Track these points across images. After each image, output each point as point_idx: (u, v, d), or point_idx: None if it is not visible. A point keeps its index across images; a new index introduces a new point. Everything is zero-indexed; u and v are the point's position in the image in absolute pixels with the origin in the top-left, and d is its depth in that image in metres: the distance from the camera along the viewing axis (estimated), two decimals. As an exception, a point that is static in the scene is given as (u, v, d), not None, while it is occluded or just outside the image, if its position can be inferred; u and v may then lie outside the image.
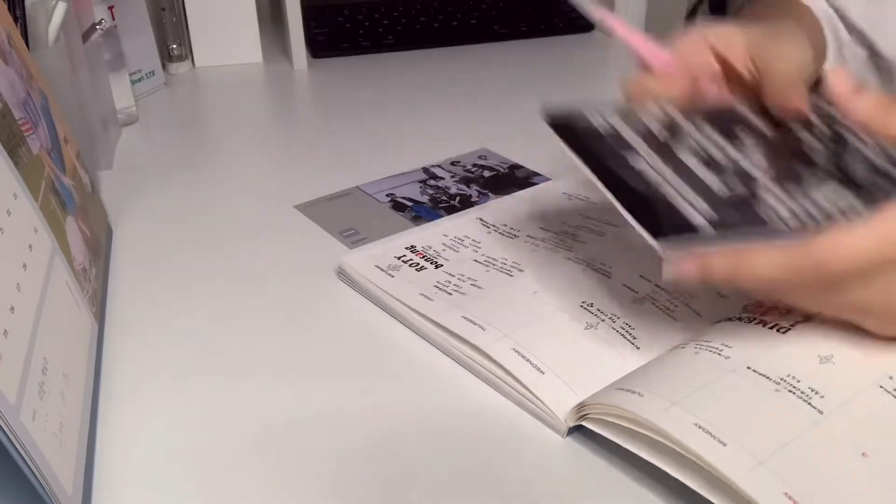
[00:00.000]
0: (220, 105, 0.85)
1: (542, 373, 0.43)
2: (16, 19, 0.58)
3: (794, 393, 0.38)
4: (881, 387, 0.39)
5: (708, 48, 0.47)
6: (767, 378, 0.39)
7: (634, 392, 0.39)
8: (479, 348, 0.45)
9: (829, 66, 0.64)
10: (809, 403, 0.38)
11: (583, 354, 0.45)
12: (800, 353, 0.41)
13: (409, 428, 0.43)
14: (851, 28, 0.63)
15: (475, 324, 0.46)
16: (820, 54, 0.62)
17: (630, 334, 0.46)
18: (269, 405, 0.44)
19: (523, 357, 0.44)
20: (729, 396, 0.39)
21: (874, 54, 0.64)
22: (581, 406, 0.41)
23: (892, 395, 0.38)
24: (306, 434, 0.42)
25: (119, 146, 0.74)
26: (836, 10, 0.64)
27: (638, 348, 0.45)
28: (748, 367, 0.40)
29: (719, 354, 0.41)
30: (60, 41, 0.62)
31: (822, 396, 0.38)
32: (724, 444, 0.35)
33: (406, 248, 0.55)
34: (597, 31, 1.01)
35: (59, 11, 0.62)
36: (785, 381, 0.39)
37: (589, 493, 0.39)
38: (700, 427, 0.36)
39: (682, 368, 0.41)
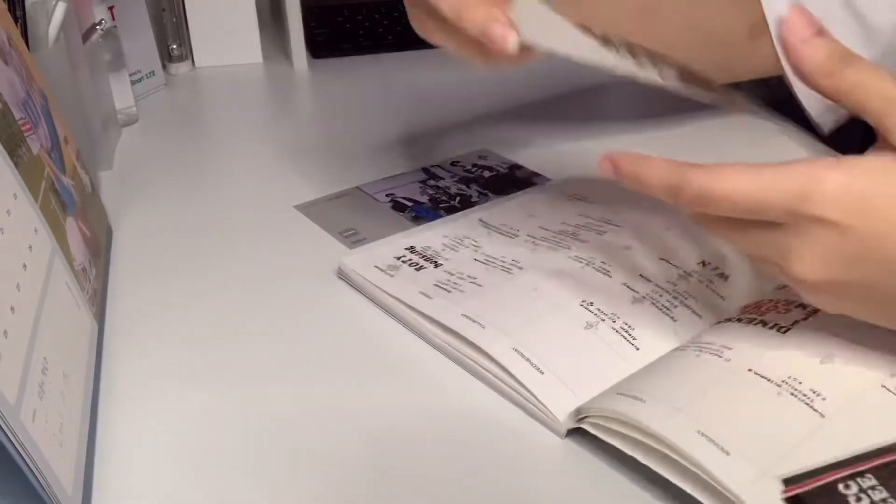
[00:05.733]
0: (221, 105, 0.85)
1: (542, 373, 0.43)
2: (16, 19, 0.58)
3: (795, 395, 0.38)
4: (884, 386, 0.38)
5: None
6: (769, 380, 0.39)
7: (636, 398, 0.39)
8: (478, 347, 0.45)
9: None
10: (811, 406, 0.37)
11: (582, 354, 0.45)
12: (800, 353, 0.40)
13: (408, 428, 0.43)
14: None
15: (475, 321, 0.46)
16: None
17: (629, 334, 0.46)
18: (268, 405, 0.44)
19: (523, 356, 0.44)
20: (731, 401, 0.38)
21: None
22: (581, 410, 0.41)
23: None
24: (305, 434, 0.42)
25: (119, 146, 0.74)
26: None
27: (637, 349, 0.45)
28: (749, 370, 0.40)
29: (720, 357, 0.41)
30: (60, 41, 0.62)
31: (824, 399, 0.38)
32: (728, 454, 0.35)
33: (406, 249, 0.55)
34: (597, 31, 1.01)
35: (59, 12, 0.62)
36: (786, 382, 0.39)
37: (587, 495, 0.39)
38: (703, 434, 0.36)
39: (683, 372, 0.41)
